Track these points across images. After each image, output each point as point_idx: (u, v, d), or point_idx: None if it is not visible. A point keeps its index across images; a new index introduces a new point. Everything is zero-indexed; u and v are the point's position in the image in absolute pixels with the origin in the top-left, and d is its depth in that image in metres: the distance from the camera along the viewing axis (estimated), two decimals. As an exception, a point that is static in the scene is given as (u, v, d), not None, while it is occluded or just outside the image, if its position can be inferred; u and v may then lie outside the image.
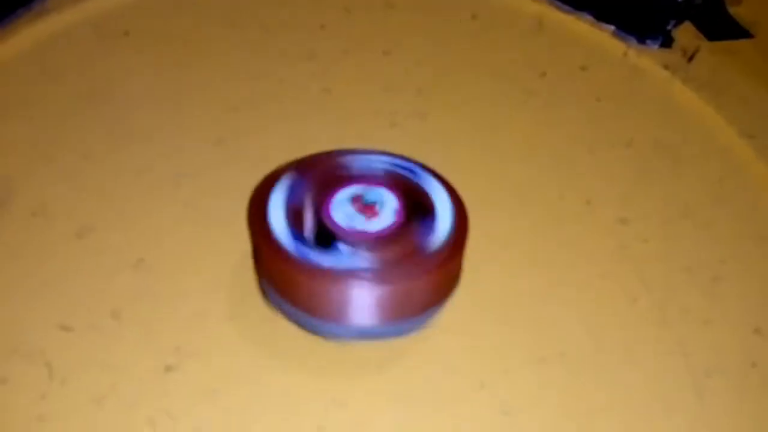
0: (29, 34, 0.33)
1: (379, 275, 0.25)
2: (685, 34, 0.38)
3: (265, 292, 0.27)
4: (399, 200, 0.26)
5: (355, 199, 0.26)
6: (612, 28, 0.38)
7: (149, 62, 0.34)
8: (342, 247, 0.25)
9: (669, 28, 0.38)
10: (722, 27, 0.39)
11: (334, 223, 0.26)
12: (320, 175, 0.27)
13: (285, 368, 0.26)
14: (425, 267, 0.25)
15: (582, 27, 0.38)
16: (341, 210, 0.26)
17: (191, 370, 0.26)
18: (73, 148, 0.30)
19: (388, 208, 0.26)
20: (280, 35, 0.37)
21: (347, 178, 0.27)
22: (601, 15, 0.38)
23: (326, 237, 0.25)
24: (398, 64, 0.36)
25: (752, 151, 0.34)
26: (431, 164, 0.30)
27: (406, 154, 0.29)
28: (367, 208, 0.26)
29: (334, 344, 0.27)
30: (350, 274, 0.25)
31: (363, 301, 0.25)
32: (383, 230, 0.26)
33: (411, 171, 0.28)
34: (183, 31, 0.36)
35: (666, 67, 0.37)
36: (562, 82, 0.36)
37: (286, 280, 0.25)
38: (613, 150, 0.34)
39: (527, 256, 0.30)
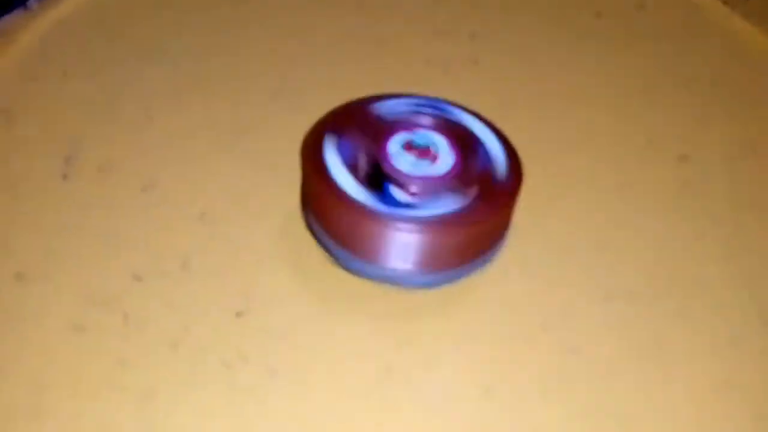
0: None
1: (434, 224, 0.25)
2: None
3: (315, 231, 0.27)
4: (453, 146, 0.26)
5: (408, 145, 0.26)
6: (668, -36, 0.37)
7: (201, 19, 0.35)
8: (398, 192, 0.25)
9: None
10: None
11: (392, 167, 0.25)
12: (369, 122, 0.27)
13: (350, 311, 0.27)
14: (482, 214, 0.25)
15: (636, -36, 0.37)
16: (397, 155, 0.26)
17: (260, 315, 0.26)
18: (134, 105, 0.31)
19: (443, 153, 0.26)
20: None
21: (398, 124, 0.27)
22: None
23: (382, 181, 0.25)
24: (450, 9, 0.36)
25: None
26: (485, 110, 0.30)
27: (459, 100, 0.29)
28: (423, 152, 0.26)
29: (397, 287, 0.27)
30: (406, 220, 0.25)
31: (418, 248, 0.25)
32: (441, 175, 0.25)
33: (457, 115, 0.28)
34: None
35: (725, 2, 0.36)
36: (618, 23, 0.36)
37: (343, 223, 0.26)
38: (673, 88, 0.33)
39: (588, 197, 0.30)
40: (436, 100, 0.28)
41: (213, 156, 0.30)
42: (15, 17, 0.32)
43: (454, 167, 0.26)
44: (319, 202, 0.26)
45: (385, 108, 0.27)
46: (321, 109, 0.29)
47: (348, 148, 0.26)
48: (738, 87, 0.34)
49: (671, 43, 0.35)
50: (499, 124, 0.29)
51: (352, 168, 0.26)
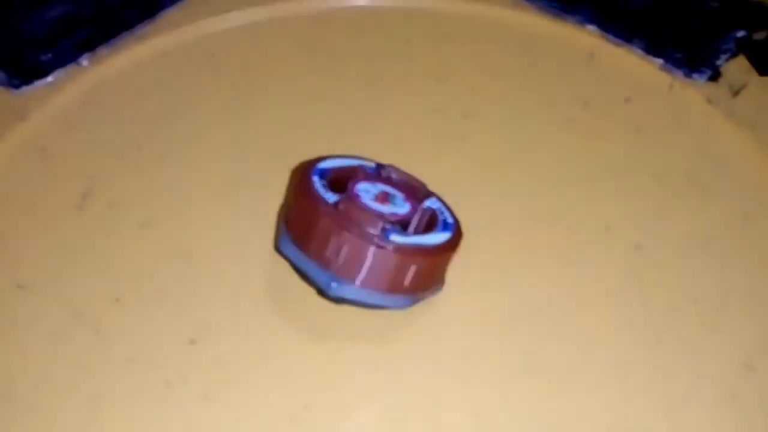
0: (130, 55, 0.39)
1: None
2: (733, 68, 0.38)
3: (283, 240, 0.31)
4: (410, 204, 0.31)
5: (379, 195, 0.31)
6: (661, 61, 0.38)
7: (229, 82, 0.39)
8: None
9: (719, 62, 0.38)
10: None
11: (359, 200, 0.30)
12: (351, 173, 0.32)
13: (297, 350, 0.30)
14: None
15: (631, 59, 0.39)
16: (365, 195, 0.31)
17: (210, 344, 0.30)
18: (149, 155, 0.36)
19: (401, 206, 0.31)
20: (345, 61, 0.40)
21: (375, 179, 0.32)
22: (652, 47, 0.39)
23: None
24: (449, 90, 0.39)
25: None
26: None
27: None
28: (384, 197, 0.31)
29: (350, 311, 0.30)
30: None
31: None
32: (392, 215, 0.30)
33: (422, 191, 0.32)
34: (261, 55, 0.41)
35: (709, 101, 0.37)
36: (604, 113, 0.37)
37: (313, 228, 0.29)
38: (642, 179, 0.35)
39: (537, 271, 0.32)
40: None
41: (205, 203, 0.34)
42: (67, 70, 0.38)
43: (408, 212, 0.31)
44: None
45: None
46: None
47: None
48: (705, 183, 0.35)
49: (651, 135, 0.36)
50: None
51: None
